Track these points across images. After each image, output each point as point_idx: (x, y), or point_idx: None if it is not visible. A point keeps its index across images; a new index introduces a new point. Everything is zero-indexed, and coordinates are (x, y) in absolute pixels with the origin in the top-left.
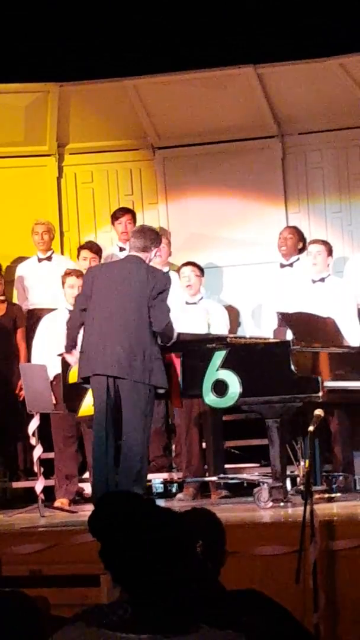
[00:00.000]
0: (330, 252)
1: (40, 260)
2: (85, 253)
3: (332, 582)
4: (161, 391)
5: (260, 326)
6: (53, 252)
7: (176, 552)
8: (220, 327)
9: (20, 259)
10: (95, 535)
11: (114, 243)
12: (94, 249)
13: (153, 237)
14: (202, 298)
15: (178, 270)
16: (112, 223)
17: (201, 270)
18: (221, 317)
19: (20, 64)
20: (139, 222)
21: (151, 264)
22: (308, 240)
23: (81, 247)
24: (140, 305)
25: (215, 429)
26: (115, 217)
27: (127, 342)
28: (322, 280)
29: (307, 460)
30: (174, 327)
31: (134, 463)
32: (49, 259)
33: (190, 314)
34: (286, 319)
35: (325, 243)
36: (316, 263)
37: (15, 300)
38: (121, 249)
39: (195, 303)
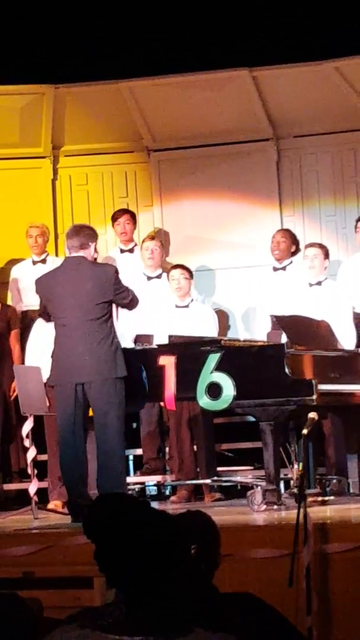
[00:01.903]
0: (327, 255)
1: (34, 263)
2: None
3: (325, 585)
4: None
5: (253, 329)
6: (48, 255)
7: (170, 554)
8: (210, 329)
9: (15, 261)
10: (90, 536)
11: (110, 245)
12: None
13: (88, 232)
14: (192, 301)
15: (167, 273)
16: (112, 225)
17: (190, 273)
18: (211, 321)
19: (15, 66)
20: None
21: (148, 265)
22: (301, 244)
23: None
24: (93, 303)
25: (206, 431)
26: (114, 218)
27: (89, 345)
28: (319, 283)
29: (301, 463)
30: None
31: (115, 464)
32: (43, 261)
33: (181, 317)
34: (280, 322)
35: (322, 246)
36: (313, 266)
37: (9, 302)
38: (122, 251)
39: (185, 306)
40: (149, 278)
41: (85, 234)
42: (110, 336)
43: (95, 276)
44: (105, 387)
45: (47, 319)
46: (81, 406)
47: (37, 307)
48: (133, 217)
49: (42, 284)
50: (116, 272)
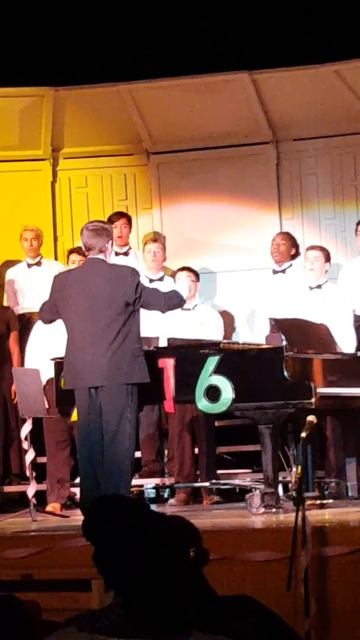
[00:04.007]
0: (327, 258)
1: (29, 266)
2: (74, 257)
3: (324, 588)
4: (146, 380)
5: (253, 332)
6: (42, 258)
7: (169, 557)
8: (215, 332)
9: (11, 263)
10: (89, 538)
11: None
12: (83, 252)
13: (105, 233)
14: (197, 304)
15: (173, 276)
16: None
17: (197, 275)
18: (216, 323)
19: (15, 68)
20: (133, 228)
21: (151, 267)
22: (301, 247)
23: (70, 251)
24: (112, 307)
25: (207, 434)
26: (110, 221)
27: (105, 349)
28: (319, 287)
29: (299, 467)
30: (174, 294)
31: (120, 468)
32: (38, 264)
33: (185, 320)
34: (279, 325)
35: (322, 249)
36: (313, 269)
37: (5, 303)
38: (117, 254)
39: (190, 309)
40: (151, 280)
41: (104, 235)
42: (127, 340)
43: (113, 278)
44: (117, 392)
45: (47, 318)
46: (95, 410)
47: (34, 310)
48: (129, 220)
49: (59, 281)
50: (134, 273)
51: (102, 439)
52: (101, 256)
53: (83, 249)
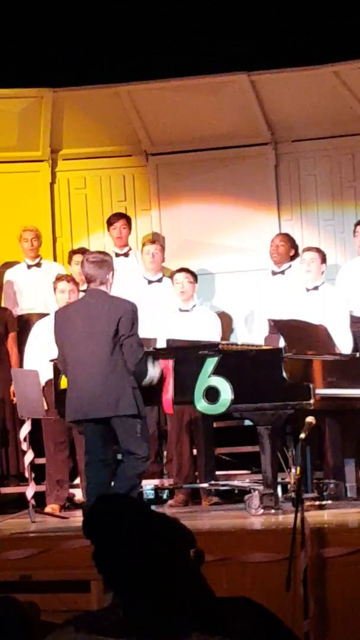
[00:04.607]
0: (324, 259)
1: (29, 266)
2: (78, 257)
3: (323, 589)
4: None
5: (252, 333)
6: (41, 259)
7: (169, 557)
8: (213, 334)
9: (9, 264)
10: (89, 536)
11: (107, 249)
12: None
13: (106, 265)
14: (195, 305)
15: (171, 277)
16: (107, 229)
17: (195, 277)
18: (214, 324)
19: (14, 69)
20: (132, 229)
21: (149, 268)
22: (300, 248)
23: (73, 252)
24: (111, 339)
25: (206, 435)
26: (110, 222)
27: (103, 381)
28: (316, 288)
29: (298, 468)
30: (145, 361)
31: (135, 476)
32: (38, 265)
33: (184, 321)
34: (278, 326)
35: (319, 250)
36: (310, 270)
37: (3, 304)
38: (117, 255)
39: (188, 310)
40: (150, 282)
41: (105, 267)
42: (124, 372)
43: (114, 309)
44: (123, 421)
45: (63, 367)
46: (108, 435)
47: (33, 311)
48: (129, 221)
49: (60, 316)
50: (134, 310)
51: (114, 460)
52: (102, 288)
53: (84, 279)
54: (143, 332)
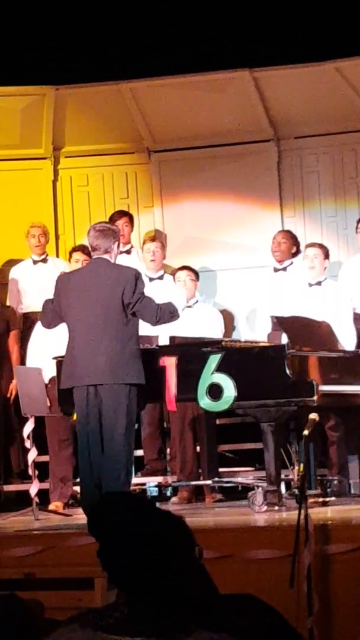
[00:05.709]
0: (327, 255)
1: (35, 262)
2: (77, 255)
3: (326, 586)
4: (142, 382)
5: (254, 330)
6: (47, 255)
7: (174, 554)
8: (215, 331)
9: (14, 262)
10: (94, 534)
11: None
12: (86, 251)
13: (112, 234)
14: (197, 302)
15: (173, 275)
16: None
17: (196, 274)
18: (216, 321)
19: (16, 67)
20: (134, 226)
21: (150, 266)
22: (302, 245)
23: (73, 250)
24: (112, 307)
25: (209, 432)
26: (112, 220)
27: (104, 348)
28: (319, 284)
29: (302, 464)
30: (167, 309)
31: (118, 467)
32: (44, 261)
33: (186, 318)
34: (281, 323)
35: (322, 246)
36: (313, 266)
37: (7, 302)
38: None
39: (190, 307)
40: (151, 279)
41: (111, 236)
42: (126, 340)
43: (115, 278)
44: (116, 391)
45: (47, 322)
46: (94, 409)
47: (38, 310)
48: (131, 219)
49: (62, 282)
50: (137, 276)
51: (102, 437)
52: (106, 256)
53: (90, 249)
54: (145, 329)
